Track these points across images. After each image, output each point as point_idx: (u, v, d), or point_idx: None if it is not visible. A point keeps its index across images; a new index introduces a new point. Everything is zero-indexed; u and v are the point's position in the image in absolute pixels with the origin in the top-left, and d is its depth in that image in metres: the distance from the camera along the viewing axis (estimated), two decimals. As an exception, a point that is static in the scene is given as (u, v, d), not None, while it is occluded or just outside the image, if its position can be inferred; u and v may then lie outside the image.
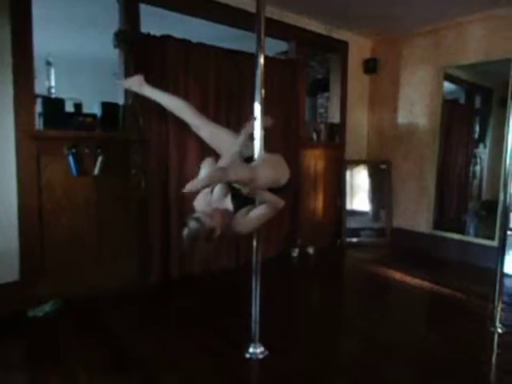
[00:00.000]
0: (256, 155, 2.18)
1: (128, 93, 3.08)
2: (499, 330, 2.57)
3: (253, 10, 2.17)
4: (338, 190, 4.80)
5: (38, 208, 2.77)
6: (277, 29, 3.83)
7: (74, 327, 2.58)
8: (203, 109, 3.42)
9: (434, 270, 3.86)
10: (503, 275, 2.65)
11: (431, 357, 2.32)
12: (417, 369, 2.26)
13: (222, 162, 2.11)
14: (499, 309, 2.60)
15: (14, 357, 2.28)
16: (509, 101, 3.76)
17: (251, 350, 2.24)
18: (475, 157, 4.33)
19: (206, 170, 1.99)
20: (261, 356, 2.22)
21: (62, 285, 2.85)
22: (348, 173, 4.84)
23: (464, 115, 4.54)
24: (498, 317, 2.60)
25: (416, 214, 4.63)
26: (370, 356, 2.34)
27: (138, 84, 2.53)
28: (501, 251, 2.63)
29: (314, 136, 4.59)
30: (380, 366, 2.23)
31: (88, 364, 2.17)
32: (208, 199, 2.16)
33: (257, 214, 2.10)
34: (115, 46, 3.07)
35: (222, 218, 2.03)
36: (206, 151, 3.23)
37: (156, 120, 3.20)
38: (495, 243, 3.57)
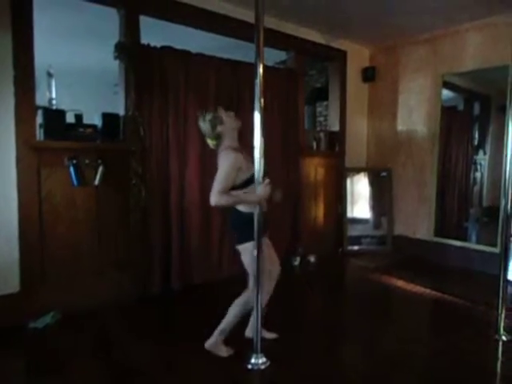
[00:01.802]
0: (256, 161, 2.19)
1: (128, 103, 3.10)
2: (503, 338, 2.55)
3: (252, 20, 2.19)
4: (338, 198, 4.80)
5: (38, 219, 2.77)
6: (276, 39, 3.87)
7: (74, 338, 2.56)
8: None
9: (436, 278, 3.84)
10: (506, 282, 2.63)
11: (434, 365, 2.30)
12: (420, 378, 2.23)
13: None
14: (503, 316, 2.57)
15: (14, 368, 2.26)
16: (507, 107, 3.77)
17: (253, 360, 2.21)
18: (475, 163, 4.33)
19: None
20: (263, 366, 2.20)
21: (63, 296, 2.84)
22: (348, 180, 4.84)
23: (463, 122, 4.55)
24: (501, 324, 2.57)
25: (417, 221, 4.62)
26: (372, 365, 2.31)
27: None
28: (503, 258, 2.62)
29: (314, 144, 4.61)
30: (383, 375, 2.20)
31: (88, 375, 2.15)
32: None
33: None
34: (115, 57, 3.10)
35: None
36: (207, 160, 3.27)
37: (156, 130, 3.21)
38: (497, 250, 3.56)
